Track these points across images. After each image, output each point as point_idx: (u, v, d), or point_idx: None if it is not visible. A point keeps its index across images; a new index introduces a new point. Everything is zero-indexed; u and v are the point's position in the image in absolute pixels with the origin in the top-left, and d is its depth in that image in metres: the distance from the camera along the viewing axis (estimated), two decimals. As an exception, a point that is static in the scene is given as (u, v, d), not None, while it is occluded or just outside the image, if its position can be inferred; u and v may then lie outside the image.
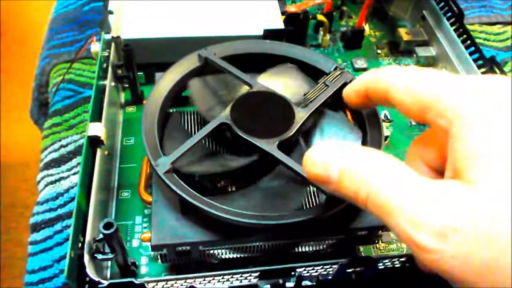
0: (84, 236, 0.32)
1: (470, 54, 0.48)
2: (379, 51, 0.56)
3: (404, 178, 0.21)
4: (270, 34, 0.46)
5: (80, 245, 0.31)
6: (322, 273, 0.32)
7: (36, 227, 0.40)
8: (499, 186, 0.18)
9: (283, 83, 0.40)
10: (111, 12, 0.47)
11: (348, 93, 0.32)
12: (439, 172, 0.25)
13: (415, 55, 0.54)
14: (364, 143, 0.36)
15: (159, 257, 0.34)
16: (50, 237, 0.40)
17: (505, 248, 0.17)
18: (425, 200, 0.19)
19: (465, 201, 0.18)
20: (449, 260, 0.18)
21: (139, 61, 0.45)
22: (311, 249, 0.35)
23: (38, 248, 0.39)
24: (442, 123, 0.21)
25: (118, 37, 0.44)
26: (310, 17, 0.51)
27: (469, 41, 0.49)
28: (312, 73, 0.41)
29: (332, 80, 0.39)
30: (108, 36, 0.44)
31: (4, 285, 1.05)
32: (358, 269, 0.31)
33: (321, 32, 0.55)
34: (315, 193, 0.36)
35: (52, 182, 0.43)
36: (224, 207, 0.30)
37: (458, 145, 0.20)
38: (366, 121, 0.37)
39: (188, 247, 0.33)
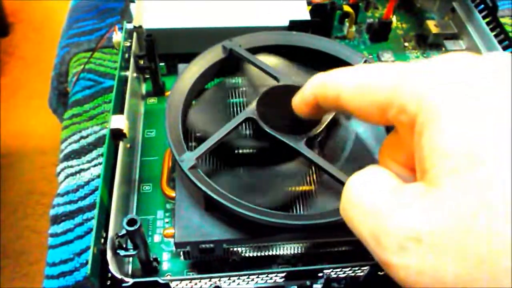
0: (106, 231, 0.31)
1: (504, 48, 0.46)
2: (406, 44, 0.54)
3: (365, 184, 0.19)
4: (295, 25, 0.45)
5: (102, 240, 0.31)
6: (351, 275, 0.31)
7: (56, 219, 0.40)
8: (467, 187, 0.15)
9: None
10: (132, 1, 0.46)
11: (296, 103, 0.28)
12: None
13: (444, 49, 0.53)
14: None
15: (181, 254, 0.33)
16: (71, 230, 0.39)
17: (476, 260, 0.15)
18: (386, 208, 0.17)
19: (428, 206, 0.16)
20: (418, 277, 0.16)
21: (160, 52, 0.44)
22: (338, 249, 0.34)
23: (59, 240, 0.39)
24: (405, 120, 0.18)
25: (140, 26, 0.43)
26: (337, 7, 0.49)
27: (502, 35, 0.47)
28: (340, 67, 0.39)
29: (362, 74, 0.37)
30: (130, 26, 0.43)
31: (21, 272, 1.06)
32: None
33: (347, 24, 0.53)
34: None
35: (72, 174, 0.43)
36: (251, 206, 0.29)
37: (423, 141, 0.17)
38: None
39: (212, 245, 0.32)
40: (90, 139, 0.45)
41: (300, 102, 0.27)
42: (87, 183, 0.42)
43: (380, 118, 0.20)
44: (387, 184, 0.19)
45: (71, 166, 0.43)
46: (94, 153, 0.44)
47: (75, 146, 0.45)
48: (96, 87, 0.49)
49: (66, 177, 0.43)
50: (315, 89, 0.25)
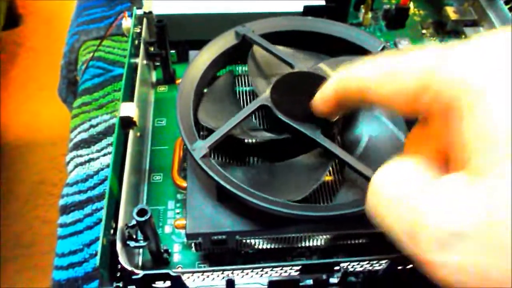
0: (116, 222, 0.30)
1: (527, 34, 0.44)
2: (424, 31, 0.52)
3: (396, 177, 0.18)
4: (310, 11, 0.43)
5: (112, 231, 0.30)
6: (368, 268, 0.29)
7: (65, 210, 0.39)
8: None
9: None
10: (142, -14, 0.45)
11: (317, 102, 0.27)
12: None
13: (463, 36, 0.51)
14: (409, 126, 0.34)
15: (193, 245, 0.32)
16: (80, 220, 0.38)
17: None
18: (423, 202, 0.16)
19: (471, 196, 0.15)
20: (461, 275, 0.14)
21: (171, 38, 0.43)
22: (353, 242, 0.33)
23: (68, 231, 0.38)
24: (440, 106, 0.17)
25: (150, 12, 0.42)
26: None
27: (526, 21, 0.45)
28: (357, 53, 0.38)
29: (380, 60, 0.36)
30: (140, 12, 0.42)
31: (33, 262, 1.07)
32: (410, 266, 0.29)
33: (363, 10, 0.52)
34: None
35: (81, 163, 0.42)
36: (265, 196, 0.28)
37: (464, 127, 0.16)
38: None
39: (224, 236, 0.31)
40: (100, 128, 0.44)
41: (321, 101, 0.26)
42: (97, 172, 0.41)
43: (410, 106, 0.19)
44: (420, 176, 0.17)
45: (81, 156, 0.43)
46: (103, 142, 0.43)
47: (84, 135, 0.44)
48: (105, 75, 0.48)
49: (76, 166, 0.42)
50: (336, 84, 0.24)
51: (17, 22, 1.61)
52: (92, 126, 0.44)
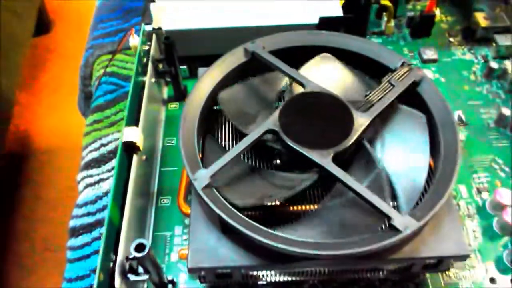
0: (116, 253, 0.29)
1: None
2: (451, 39, 0.49)
3: None
4: (326, 23, 0.41)
5: (111, 264, 0.29)
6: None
7: (74, 232, 0.39)
8: None
9: (327, 78, 0.35)
10: (152, 0, 0.43)
11: None
12: None
13: (494, 44, 0.47)
14: (436, 151, 0.31)
15: (198, 277, 0.31)
16: (88, 244, 0.38)
17: None
18: None
19: None
20: None
21: (183, 54, 0.41)
22: (370, 275, 0.31)
23: (76, 255, 0.37)
24: None
25: (160, 28, 0.41)
26: (373, 1, 0.45)
27: None
28: (375, 69, 0.36)
29: (399, 78, 0.33)
30: (149, 28, 0.41)
31: (62, 267, 1.08)
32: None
33: (385, 18, 0.49)
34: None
35: (91, 184, 0.41)
36: (270, 232, 0.27)
37: None
38: (439, 127, 0.32)
39: (229, 270, 0.29)
40: (111, 146, 0.43)
41: None
42: (106, 194, 0.40)
43: None
44: None
45: (91, 176, 0.42)
46: (114, 162, 0.42)
47: (95, 154, 0.43)
48: (118, 92, 0.48)
49: (85, 187, 0.41)
50: None
51: (48, 28, 1.64)
52: (103, 145, 0.44)
